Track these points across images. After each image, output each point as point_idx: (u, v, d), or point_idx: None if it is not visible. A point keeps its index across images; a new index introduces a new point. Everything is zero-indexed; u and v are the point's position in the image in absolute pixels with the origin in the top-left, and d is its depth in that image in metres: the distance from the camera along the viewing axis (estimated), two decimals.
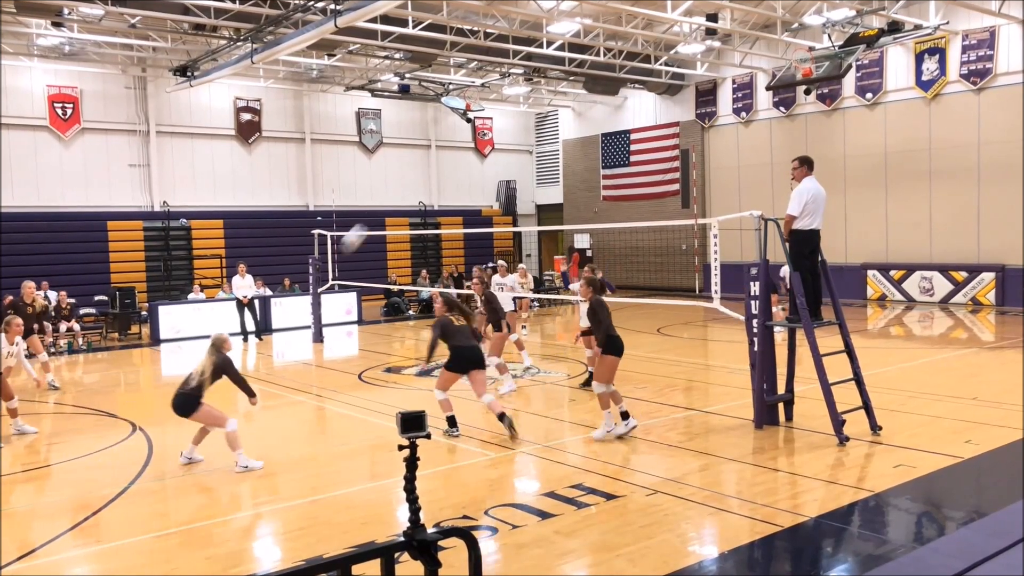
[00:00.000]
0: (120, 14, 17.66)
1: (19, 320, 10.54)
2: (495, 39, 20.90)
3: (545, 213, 33.25)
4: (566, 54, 22.35)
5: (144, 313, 20.26)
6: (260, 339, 18.85)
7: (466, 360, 9.17)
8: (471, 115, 24.88)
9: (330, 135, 27.83)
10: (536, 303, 24.14)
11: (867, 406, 8.82)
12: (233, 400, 12.16)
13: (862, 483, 7.34)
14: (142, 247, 23.74)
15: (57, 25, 19.15)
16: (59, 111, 22.77)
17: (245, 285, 18.85)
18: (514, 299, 14.77)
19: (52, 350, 17.46)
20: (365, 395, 12.03)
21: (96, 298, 20.80)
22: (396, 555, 3.60)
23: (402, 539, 3.60)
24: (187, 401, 8.16)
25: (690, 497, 6.93)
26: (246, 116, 25.95)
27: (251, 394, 8.55)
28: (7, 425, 9.75)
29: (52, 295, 18.79)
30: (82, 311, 19.66)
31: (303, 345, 18.03)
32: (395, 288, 23.72)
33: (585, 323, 11.61)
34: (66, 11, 17.71)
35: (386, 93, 26.25)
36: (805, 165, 9.20)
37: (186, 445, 8.49)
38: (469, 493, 7.31)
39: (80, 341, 18.17)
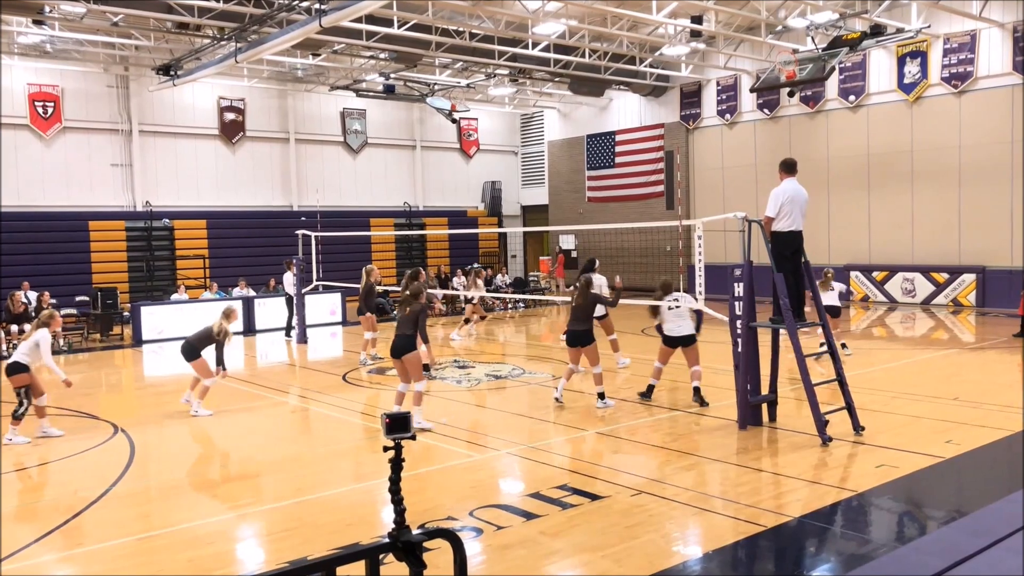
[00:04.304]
0: (102, 12, 17.50)
1: (58, 315, 10.75)
2: (480, 40, 20.89)
3: (530, 214, 33.28)
4: (551, 55, 22.38)
5: (126, 314, 20.11)
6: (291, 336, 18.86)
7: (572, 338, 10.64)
8: (456, 116, 24.85)
9: (314, 135, 27.73)
10: (521, 304, 24.14)
11: (850, 406, 8.88)
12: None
13: (845, 483, 7.39)
14: (124, 247, 23.54)
15: (38, 23, 18.96)
16: (40, 110, 22.56)
17: (291, 282, 18.73)
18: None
19: None
20: (349, 396, 11.99)
21: (77, 298, 20.59)
22: (381, 556, 3.59)
23: (387, 540, 3.59)
24: (407, 343, 9.51)
25: (674, 497, 6.95)
26: (230, 116, 25.81)
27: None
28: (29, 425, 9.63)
29: (32, 295, 18.62)
30: (63, 311, 19.45)
31: (287, 346, 17.96)
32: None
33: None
34: (47, 9, 17.52)
35: (371, 93, 26.18)
36: (782, 169, 9.28)
37: (171, 447, 8.42)
38: (454, 494, 7.29)
39: (61, 342, 18.00)
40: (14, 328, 17.51)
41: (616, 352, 13.80)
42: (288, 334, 18.95)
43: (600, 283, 13.53)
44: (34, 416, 9.62)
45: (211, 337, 10.74)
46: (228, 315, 10.89)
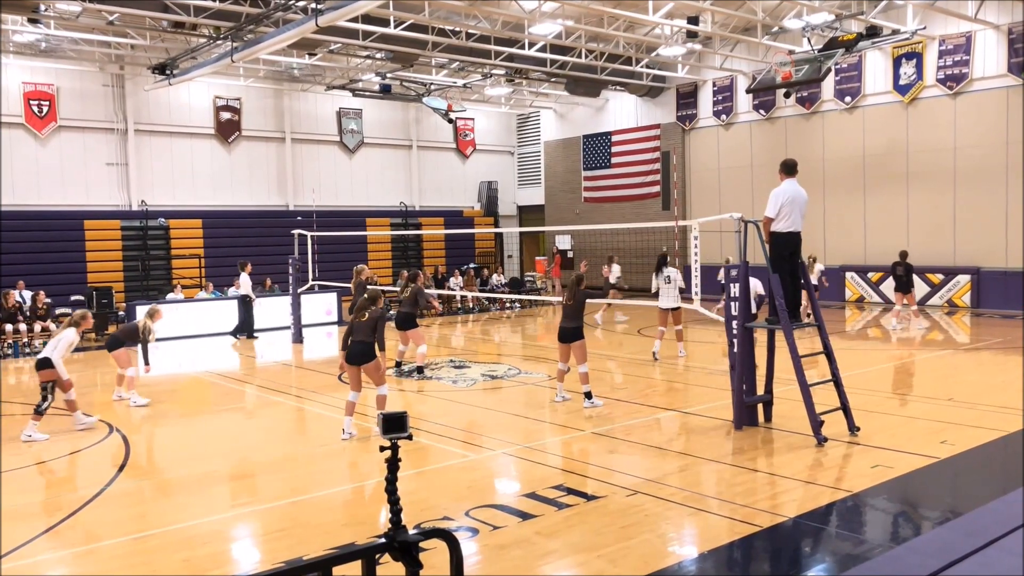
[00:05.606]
0: (98, 11, 17.46)
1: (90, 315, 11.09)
2: (477, 40, 20.90)
3: (526, 214, 33.28)
4: (548, 55, 22.39)
5: (121, 313, 20.05)
6: (239, 337, 18.92)
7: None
8: (452, 116, 24.86)
9: (311, 135, 27.70)
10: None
11: (845, 407, 8.89)
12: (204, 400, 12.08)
13: (840, 483, 7.40)
14: (120, 247, 23.50)
15: (34, 21, 18.91)
16: (35, 108, 22.51)
17: (247, 284, 18.78)
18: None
19: (27, 350, 17.26)
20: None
21: (72, 298, 20.51)
22: (377, 556, 3.59)
23: (383, 540, 3.59)
24: (366, 350, 9.21)
25: (670, 498, 6.96)
26: (226, 115, 25.77)
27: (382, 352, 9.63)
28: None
29: (27, 295, 18.57)
30: (58, 311, 19.38)
31: (283, 346, 17.94)
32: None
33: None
34: (43, 7, 17.49)
35: (367, 93, 26.17)
36: (782, 170, 9.29)
37: (166, 447, 8.39)
38: (450, 494, 7.29)
39: None
40: (8, 327, 17.47)
41: (679, 342, 14.67)
42: (236, 335, 18.95)
43: (674, 276, 13.96)
44: (61, 413, 9.81)
45: (135, 334, 11.41)
46: (152, 315, 11.65)
